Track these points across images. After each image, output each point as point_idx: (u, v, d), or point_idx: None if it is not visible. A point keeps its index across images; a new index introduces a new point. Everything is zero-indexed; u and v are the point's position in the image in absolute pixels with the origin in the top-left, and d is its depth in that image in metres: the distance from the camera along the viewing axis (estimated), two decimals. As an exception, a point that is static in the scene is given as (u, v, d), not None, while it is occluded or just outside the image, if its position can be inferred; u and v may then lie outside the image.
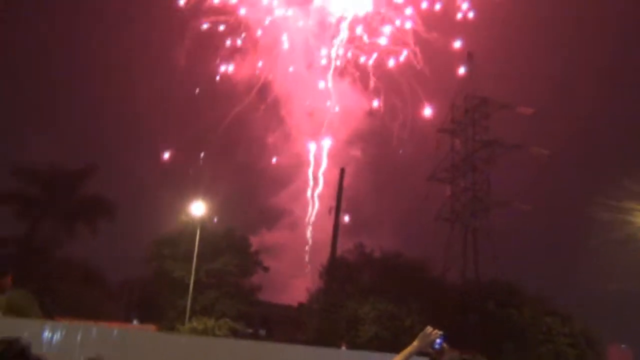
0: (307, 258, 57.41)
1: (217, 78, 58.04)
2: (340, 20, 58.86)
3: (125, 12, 58.13)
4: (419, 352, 4.63)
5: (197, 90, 57.37)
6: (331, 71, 59.34)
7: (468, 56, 54.67)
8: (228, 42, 58.07)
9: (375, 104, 59.26)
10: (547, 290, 39.38)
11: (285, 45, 59.51)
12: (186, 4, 55.75)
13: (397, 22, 58.54)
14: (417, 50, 56.73)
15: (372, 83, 58.65)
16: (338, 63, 59.29)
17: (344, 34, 58.91)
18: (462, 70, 54.42)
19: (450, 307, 35.85)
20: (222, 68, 58.24)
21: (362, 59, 59.14)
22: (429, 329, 4.64)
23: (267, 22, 57.91)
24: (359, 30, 59.08)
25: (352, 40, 59.12)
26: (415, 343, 4.64)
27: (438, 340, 4.55)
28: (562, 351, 32.78)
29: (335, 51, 58.98)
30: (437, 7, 57.25)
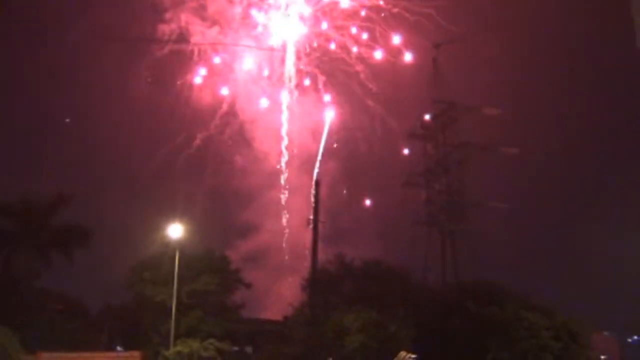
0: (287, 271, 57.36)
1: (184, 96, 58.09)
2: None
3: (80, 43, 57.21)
4: None
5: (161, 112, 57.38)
6: (292, 87, 59.71)
7: (433, 61, 55.57)
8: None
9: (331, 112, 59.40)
10: (527, 286, 40.10)
11: (245, 66, 59.94)
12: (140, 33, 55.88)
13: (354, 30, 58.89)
14: (378, 61, 57.23)
15: (332, 97, 59.04)
16: (292, 83, 59.71)
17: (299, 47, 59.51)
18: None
19: (432, 311, 36.18)
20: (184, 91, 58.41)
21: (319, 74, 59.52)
22: (402, 353, 4.81)
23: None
24: (314, 43, 59.67)
25: (310, 52, 59.60)
26: None
27: None
28: (546, 345, 33.27)
29: (292, 67, 59.41)
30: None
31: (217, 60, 59.65)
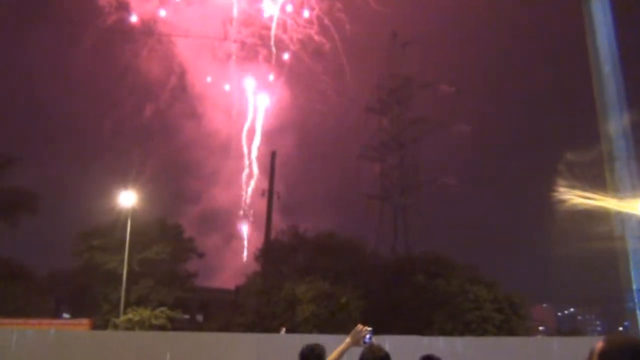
0: (245, 244, 57.38)
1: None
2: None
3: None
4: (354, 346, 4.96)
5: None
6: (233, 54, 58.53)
7: (392, 36, 55.67)
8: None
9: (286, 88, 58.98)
10: (474, 259, 41.52)
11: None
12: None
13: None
14: (342, 31, 56.90)
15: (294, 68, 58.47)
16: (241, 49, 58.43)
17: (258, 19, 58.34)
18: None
19: (382, 282, 37.03)
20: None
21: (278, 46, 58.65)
22: (359, 326, 4.99)
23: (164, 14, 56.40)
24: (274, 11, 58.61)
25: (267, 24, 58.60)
26: (347, 340, 4.98)
27: (368, 336, 4.92)
28: (488, 317, 34.64)
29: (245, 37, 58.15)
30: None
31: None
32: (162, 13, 55.73)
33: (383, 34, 56.53)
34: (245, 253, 54.73)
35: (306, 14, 57.68)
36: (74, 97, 55.85)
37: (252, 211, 57.47)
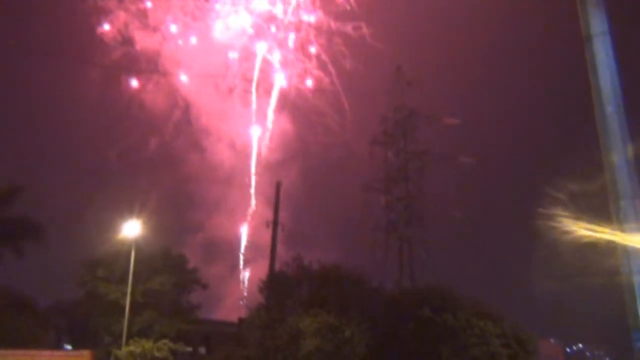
0: (245, 274, 57.08)
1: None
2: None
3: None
4: None
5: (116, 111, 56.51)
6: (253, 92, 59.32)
7: (397, 69, 56.30)
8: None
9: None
10: (479, 292, 41.01)
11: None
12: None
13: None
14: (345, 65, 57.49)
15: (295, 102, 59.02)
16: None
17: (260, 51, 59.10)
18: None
19: (388, 316, 36.59)
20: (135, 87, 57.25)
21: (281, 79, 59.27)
22: None
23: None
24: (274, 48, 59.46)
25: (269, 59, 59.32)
26: None
27: None
28: (495, 352, 34.07)
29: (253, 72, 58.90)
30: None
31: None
32: (165, 48, 56.86)
33: (384, 68, 57.16)
34: (247, 284, 54.36)
35: (312, 50, 58.51)
36: (78, 128, 56.55)
37: (255, 241, 57.38)
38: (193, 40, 58.34)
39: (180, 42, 57.48)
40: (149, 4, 57.03)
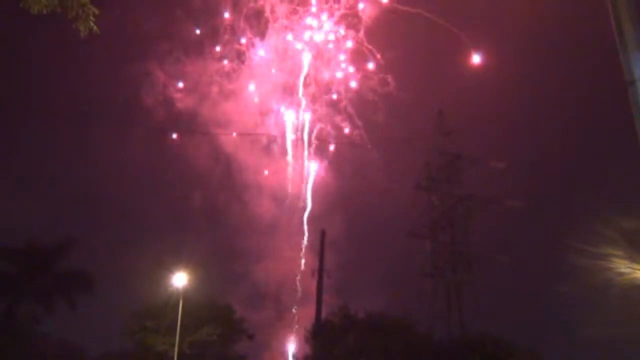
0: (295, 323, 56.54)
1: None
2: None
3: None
4: None
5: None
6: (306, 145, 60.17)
7: (438, 113, 56.20)
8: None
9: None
10: (533, 337, 39.33)
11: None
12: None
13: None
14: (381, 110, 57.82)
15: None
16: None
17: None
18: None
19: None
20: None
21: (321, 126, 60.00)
22: None
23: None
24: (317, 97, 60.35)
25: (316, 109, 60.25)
26: None
27: None
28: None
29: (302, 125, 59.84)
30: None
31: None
32: (203, 108, 58.92)
33: (412, 115, 57.36)
34: (294, 335, 53.76)
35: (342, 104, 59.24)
36: (127, 186, 58.75)
37: (301, 290, 56.98)
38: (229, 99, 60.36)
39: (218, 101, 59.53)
40: (186, 66, 59.52)
